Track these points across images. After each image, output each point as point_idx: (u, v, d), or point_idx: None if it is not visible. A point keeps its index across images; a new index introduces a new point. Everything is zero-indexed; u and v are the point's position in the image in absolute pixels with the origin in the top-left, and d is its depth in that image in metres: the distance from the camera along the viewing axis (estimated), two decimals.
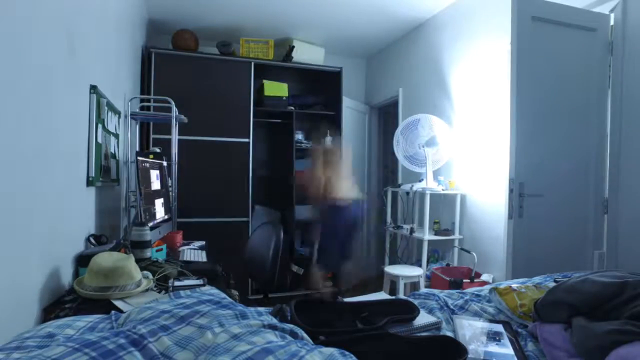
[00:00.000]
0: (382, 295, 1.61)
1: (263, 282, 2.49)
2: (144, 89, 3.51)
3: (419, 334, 1.24)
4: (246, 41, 3.93)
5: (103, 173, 1.94)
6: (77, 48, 1.55)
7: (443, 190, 3.27)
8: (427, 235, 3.21)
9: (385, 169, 5.40)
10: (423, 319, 1.30)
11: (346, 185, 3.07)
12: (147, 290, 1.45)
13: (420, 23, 3.93)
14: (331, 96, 4.31)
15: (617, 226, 2.36)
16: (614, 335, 0.96)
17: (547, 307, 1.23)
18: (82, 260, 1.54)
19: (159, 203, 2.24)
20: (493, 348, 1.17)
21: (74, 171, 1.58)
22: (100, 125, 1.85)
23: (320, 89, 4.51)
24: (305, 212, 4.19)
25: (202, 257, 2.19)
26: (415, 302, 1.54)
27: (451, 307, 1.48)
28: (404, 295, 3.00)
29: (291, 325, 0.99)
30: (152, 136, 3.46)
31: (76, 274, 1.55)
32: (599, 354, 0.95)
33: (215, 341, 0.83)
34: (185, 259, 2.10)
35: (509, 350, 1.16)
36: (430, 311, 1.43)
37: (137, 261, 1.51)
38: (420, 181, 3.42)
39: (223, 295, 1.17)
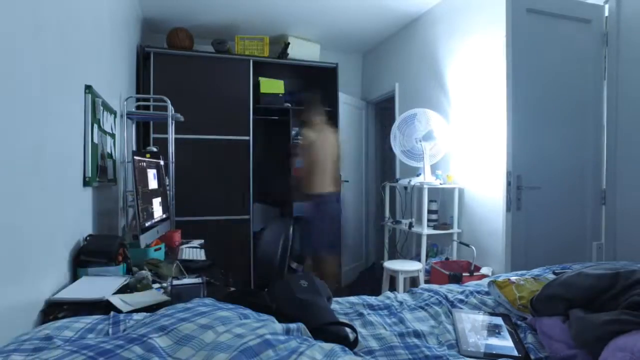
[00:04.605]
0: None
1: (269, 280, 2.48)
2: (143, 88, 3.49)
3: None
4: (241, 38, 3.91)
5: (100, 173, 1.93)
6: (71, 48, 1.54)
7: (441, 184, 3.28)
8: (426, 230, 3.21)
9: (382, 163, 5.40)
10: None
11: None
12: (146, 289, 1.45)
13: (415, 17, 3.92)
14: (327, 92, 4.29)
15: (615, 217, 2.36)
16: (612, 325, 0.96)
17: (543, 302, 1.24)
18: (79, 262, 1.54)
19: (156, 202, 2.23)
20: (493, 341, 1.18)
21: (70, 172, 1.58)
22: (96, 126, 1.85)
23: (316, 86, 4.50)
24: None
25: (201, 255, 2.19)
26: (414, 296, 1.54)
27: (451, 300, 1.48)
28: (404, 290, 3.01)
29: (296, 324, 0.99)
30: (152, 135, 3.44)
31: (74, 275, 1.54)
32: (598, 344, 0.96)
33: (217, 339, 0.83)
34: (184, 257, 2.10)
35: (508, 342, 1.17)
36: (429, 305, 1.43)
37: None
38: (418, 175, 3.42)
39: (220, 304, 1.16)
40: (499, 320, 1.31)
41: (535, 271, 1.81)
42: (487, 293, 1.56)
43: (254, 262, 3.80)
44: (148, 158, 2.23)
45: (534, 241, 2.32)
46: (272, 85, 4.06)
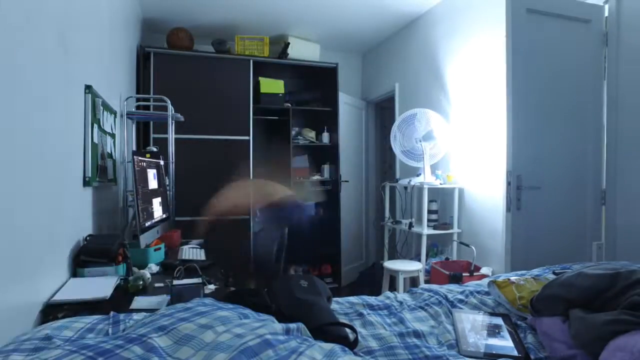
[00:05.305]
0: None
1: (267, 281, 2.48)
2: (143, 88, 3.49)
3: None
4: (241, 38, 3.91)
5: (100, 173, 1.93)
6: (71, 48, 1.54)
7: (441, 184, 3.27)
8: (426, 230, 3.21)
9: (382, 163, 5.40)
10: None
11: None
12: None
13: (415, 17, 3.92)
14: (328, 92, 4.29)
15: (615, 217, 2.36)
16: (612, 325, 0.96)
17: (543, 302, 1.24)
18: (79, 262, 1.54)
19: (156, 202, 2.23)
20: (493, 341, 1.18)
21: (70, 172, 1.58)
22: (96, 125, 1.85)
23: (316, 85, 4.50)
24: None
25: (201, 255, 2.19)
26: (414, 296, 1.54)
27: (451, 300, 1.48)
28: (404, 290, 3.01)
29: (296, 324, 0.99)
30: (152, 135, 3.44)
31: (74, 275, 1.54)
32: (598, 344, 0.96)
33: (217, 339, 0.83)
34: (184, 257, 2.10)
35: (508, 342, 1.17)
36: (429, 305, 1.43)
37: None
38: (418, 175, 3.42)
39: (220, 304, 1.16)
40: (499, 320, 1.31)
41: (535, 271, 1.81)
42: (487, 293, 1.56)
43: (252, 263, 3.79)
44: (148, 158, 2.23)
45: (534, 241, 2.32)
46: (272, 85, 4.05)
